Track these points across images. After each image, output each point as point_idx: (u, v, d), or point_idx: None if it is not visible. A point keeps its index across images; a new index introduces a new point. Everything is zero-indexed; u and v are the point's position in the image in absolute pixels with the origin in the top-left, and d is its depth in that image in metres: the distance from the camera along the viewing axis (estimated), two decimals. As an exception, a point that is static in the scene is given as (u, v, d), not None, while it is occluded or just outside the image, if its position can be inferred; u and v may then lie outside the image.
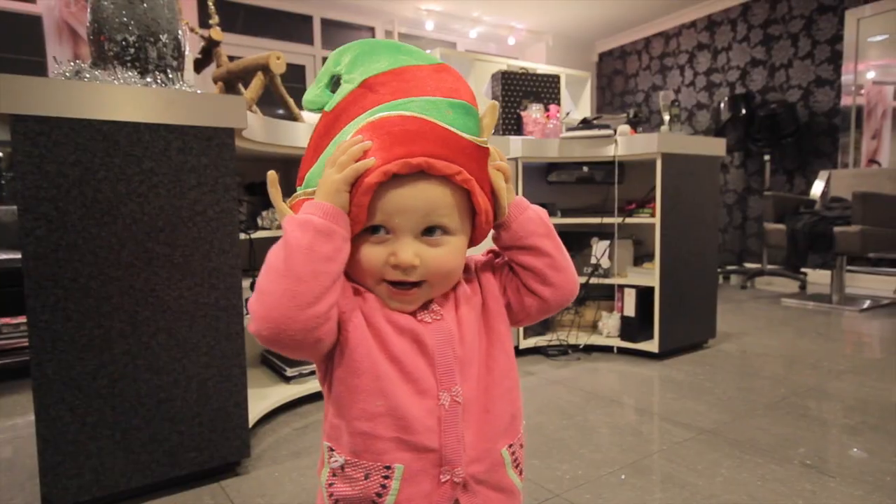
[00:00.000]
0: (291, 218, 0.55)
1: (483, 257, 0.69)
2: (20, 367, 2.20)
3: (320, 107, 0.62)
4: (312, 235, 0.53)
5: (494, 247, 0.67)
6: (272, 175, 0.64)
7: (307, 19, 5.18)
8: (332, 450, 0.59)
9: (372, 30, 5.54)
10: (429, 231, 0.57)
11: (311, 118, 2.03)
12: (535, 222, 0.63)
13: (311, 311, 0.52)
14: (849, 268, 3.93)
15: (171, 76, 1.33)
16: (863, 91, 4.24)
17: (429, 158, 0.54)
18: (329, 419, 0.61)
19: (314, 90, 0.63)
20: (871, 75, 4.22)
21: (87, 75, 1.23)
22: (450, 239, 0.58)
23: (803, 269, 4.09)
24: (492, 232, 0.65)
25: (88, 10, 1.28)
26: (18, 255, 2.33)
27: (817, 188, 3.98)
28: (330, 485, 0.59)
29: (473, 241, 0.63)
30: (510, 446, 0.63)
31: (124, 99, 1.18)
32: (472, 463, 0.59)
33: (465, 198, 0.58)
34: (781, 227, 3.54)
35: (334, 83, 0.62)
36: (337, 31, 5.37)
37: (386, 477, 0.56)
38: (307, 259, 0.52)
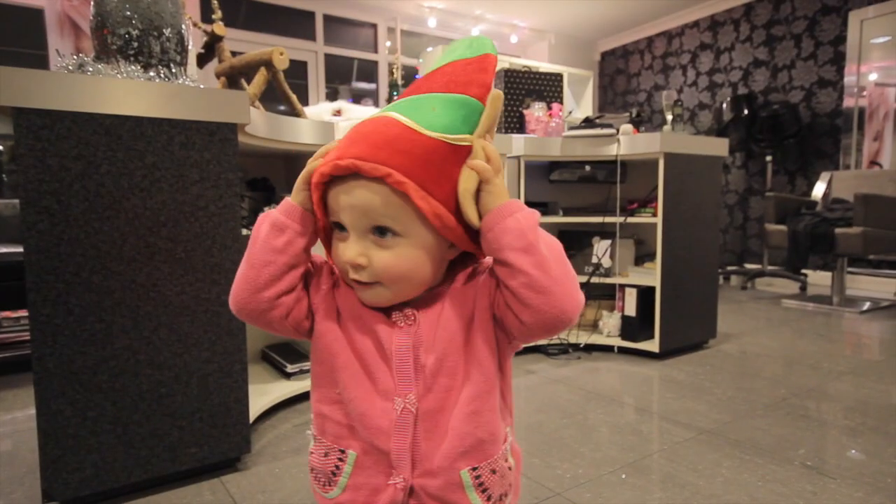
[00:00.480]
0: (264, 212, 0.62)
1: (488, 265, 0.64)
2: (21, 360, 2.20)
3: None
4: (267, 228, 0.60)
5: None
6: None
7: (309, 15, 5.17)
8: (311, 424, 0.66)
9: (374, 26, 5.53)
10: (378, 231, 0.57)
11: (313, 114, 2.03)
12: (513, 234, 0.54)
13: (260, 295, 0.59)
14: (849, 269, 3.93)
15: (174, 71, 1.33)
16: (865, 93, 4.24)
17: (356, 160, 0.54)
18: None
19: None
20: (873, 77, 4.22)
21: (91, 69, 1.22)
22: (400, 241, 0.57)
23: (804, 271, 4.09)
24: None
25: (92, 3, 1.28)
26: (19, 249, 2.34)
27: (819, 189, 3.98)
28: (311, 453, 0.65)
29: (458, 247, 0.60)
30: (474, 469, 0.59)
31: (127, 93, 1.18)
32: (425, 476, 0.59)
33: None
34: (783, 228, 3.54)
35: None
36: (339, 28, 5.36)
37: (340, 460, 0.61)
38: (261, 249, 0.59)
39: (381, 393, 0.59)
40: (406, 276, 0.58)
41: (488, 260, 0.61)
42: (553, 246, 0.56)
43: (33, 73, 1.08)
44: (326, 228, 0.62)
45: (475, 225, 0.57)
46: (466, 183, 0.56)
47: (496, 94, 0.59)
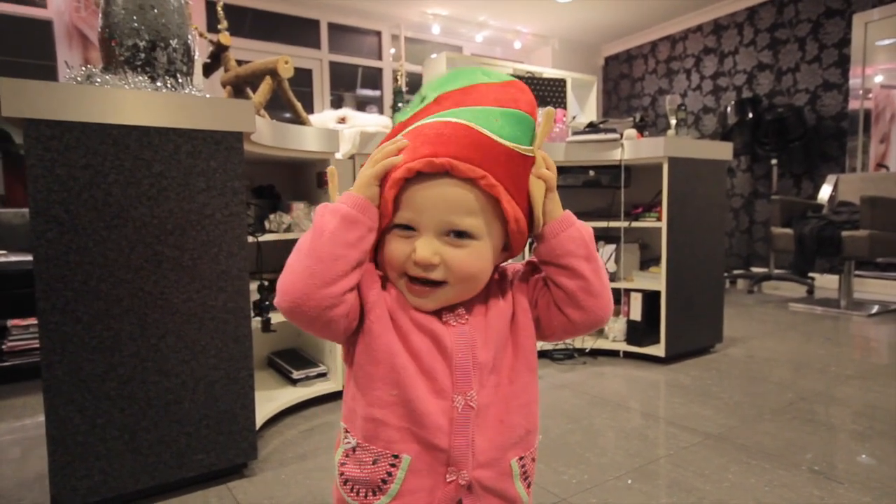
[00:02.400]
0: (325, 205, 0.59)
1: (521, 267, 0.68)
2: (30, 368, 2.22)
3: (400, 120, 0.66)
4: (338, 221, 0.57)
5: (533, 258, 0.66)
6: (332, 170, 0.69)
7: (314, 24, 5.21)
8: (347, 431, 0.62)
9: (378, 34, 5.56)
10: (454, 233, 0.58)
11: (318, 122, 2.04)
12: (576, 242, 0.61)
13: (326, 290, 0.56)
14: (857, 272, 3.91)
15: (180, 81, 1.34)
16: (870, 95, 4.22)
17: (452, 160, 0.55)
18: (347, 401, 0.64)
19: (405, 109, 0.67)
20: (878, 79, 4.20)
21: (98, 80, 1.24)
22: (474, 243, 0.59)
23: (811, 274, 4.07)
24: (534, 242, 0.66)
25: (100, 14, 1.30)
26: (29, 258, 2.36)
27: (825, 192, 3.97)
28: (342, 464, 0.62)
29: (512, 251, 0.64)
30: (521, 458, 0.63)
31: (135, 103, 1.20)
32: (480, 468, 0.60)
33: (495, 203, 0.58)
34: (789, 231, 3.53)
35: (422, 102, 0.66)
36: (343, 36, 5.40)
37: (392, 465, 0.58)
38: (330, 242, 0.56)
39: (437, 392, 0.59)
40: (476, 275, 0.60)
41: (512, 265, 0.68)
42: (599, 256, 0.63)
43: (43, 85, 1.10)
44: (381, 229, 0.61)
45: (539, 231, 0.63)
46: (538, 191, 0.61)
47: (550, 111, 0.62)
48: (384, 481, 0.59)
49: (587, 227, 0.63)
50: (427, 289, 0.59)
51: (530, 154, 0.60)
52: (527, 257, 0.69)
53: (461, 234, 0.58)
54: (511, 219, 0.59)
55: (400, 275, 0.60)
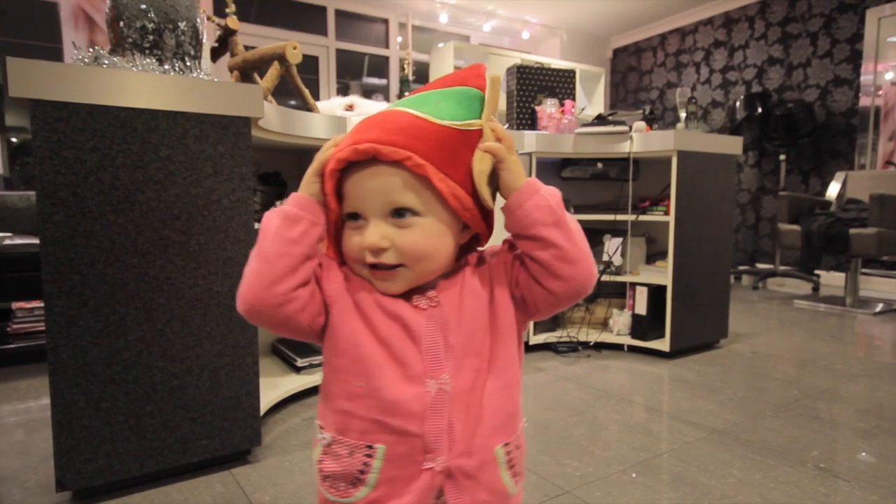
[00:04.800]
0: (271, 209, 0.61)
1: (498, 247, 0.67)
2: (35, 350, 2.22)
3: None
4: (280, 220, 0.59)
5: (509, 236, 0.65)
6: None
7: (321, 10, 5.17)
8: (321, 428, 0.62)
9: (386, 22, 5.52)
10: (397, 213, 0.58)
11: (325, 109, 2.03)
12: (542, 210, 0.59)
13: (275, 288, 0.57)
14: (863, 270, 3.89)
15: (188, 64, 1.33)
16: (881, 92, 4.18)
17: (375, 144, 0.56)
18: (320, 398, 0.64)
19: None
20: (889, 76, 4.16)
21: (106, 62, 1.23)
22: (420, 220, 0.58)
23: (817, 271, 4.05)
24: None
25: (108, -4, 1.28)
26: (34, 241, 2.36)
27: (833, 189, 3.94)
28: (320, 462, 0.61)
29: (476, 229, 0.63)
30: (506, 445, 0.61)
31: (142, 86, 1.19)
32: (461, 456, 0.59)
33: (429, 182, 0.58)
34: (796, 227, 3.51)
35: None
36: (351, 23, 5.36)
37: (368, 455, 0.58)
38: (274, 242, 0.58)
39: (411, 378, 0.58)
40: (430, 253, 0.59)
41: (492, 248, 0.67)
42: (573, 219, 0.61)
43: (50, 66, 1.09)
44: (336, 222, 0.62)
45: (490, 206, 0.61)
46: (480, 165, 0.59)
47: (495, 77, 0.62)
48: (362, 472, 0.58)
49: (554, 193, 0.60)
50: (387, 272, 0.59)
51: (470, 128, 0.60)
52: None
53: (403, 213, 0.58)
54: (448, 195, 0.58)
55: (361, 264, 0.60)
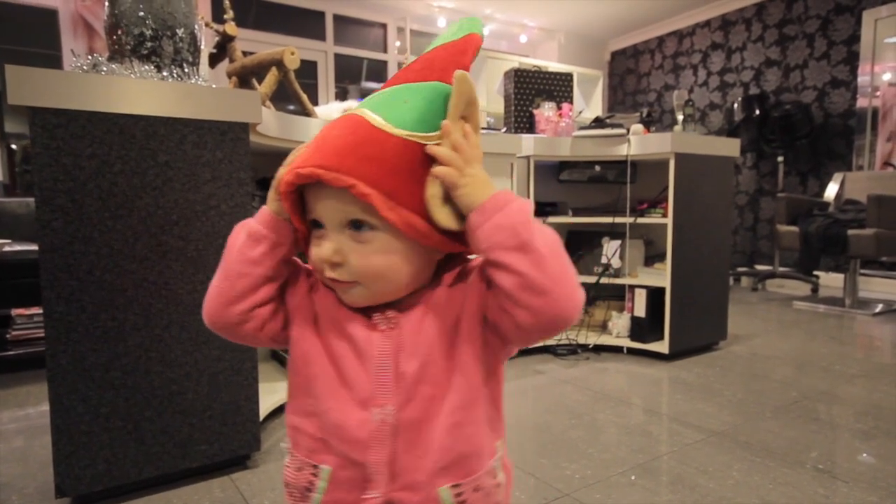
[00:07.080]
0: (242, 222, 0.59)
1: (477, 265, 0.58)
2: (34, 357, 2.22)
3: None
4: (244, 238, 0.57)
5: None
6: None
7: (319, 15, 5.18)
8: (287, 436, 0.61)
9: (384, 26, 5.54)
10: (355, 226, 0.53)
11: (324, 114, 2.03)
12: (504, 231, 0.49)
13: (234, 308, 0.56)
14: (862, 271, 3.89)
15: (186, 70, 1.34)
16: (878, 93, 4.19)
17: (317, 168, 0.50)
18: None
19: None
20: (886, 77, 4.17)
21: (105, 69, 1.23)
22: (380, 235, 0.52)
23: (816, 272, 4.05)
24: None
25: (106, 3, 1.29)
26: (34, 247, 2.36)
27: (831, 190, 3.94)
28: (286, 467, 0.60)
29: (446, 250, 0.56)
30: (455, 486, 0.54)
31: (141, 93, 1.19)
32: (404, 489, 0.54)
33: None
34: (794, 229, 3.51)
35: None
36: (349, 28, 5.37)
37: (314, 475, 0.56)
38: (237, 260, 0.56)
39: (359, 402, 0.54)
40: (383, 274, 0.53)
41: (478, 258, 0.57)
42: (549, 240, 0.50)
43: (49, 73, 1.10)
44: (307, 232, 0.57)
45: (451, 228, 0.53)
46: (431, 188, 0.52)
47: (460, 75, 0.53)
48: (308, 489, 0.57)
49: (523, 208, 0.51)
50: (343, 285, 0.54)
51: (427, 142, 0.52)
52: None
53: (360, 226, 0.52)
54: (399, 225, 0.51)
55: (322, 275, 0.56)
